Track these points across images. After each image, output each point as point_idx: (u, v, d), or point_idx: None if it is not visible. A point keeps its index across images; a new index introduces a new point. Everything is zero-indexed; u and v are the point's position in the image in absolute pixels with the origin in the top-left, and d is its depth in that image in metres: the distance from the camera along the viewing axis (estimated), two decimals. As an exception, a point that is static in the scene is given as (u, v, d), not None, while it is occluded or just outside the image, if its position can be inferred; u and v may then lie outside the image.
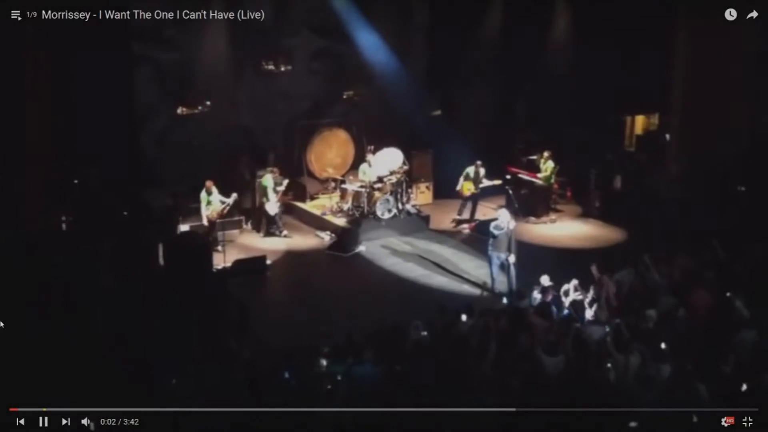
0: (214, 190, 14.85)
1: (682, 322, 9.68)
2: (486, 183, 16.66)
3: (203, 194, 14.81)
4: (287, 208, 17.13)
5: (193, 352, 9.69)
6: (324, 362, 8.88)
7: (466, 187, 16.74)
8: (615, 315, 10.05)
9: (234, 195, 15.03)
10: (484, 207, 17.23)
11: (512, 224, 12.80)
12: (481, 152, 17.19)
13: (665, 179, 16.57)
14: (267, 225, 16.08)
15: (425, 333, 9.38)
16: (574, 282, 10.92)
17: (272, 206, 15.86)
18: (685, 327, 9.59)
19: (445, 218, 17.23)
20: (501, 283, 12.92)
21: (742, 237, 12.90)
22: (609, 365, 8.40)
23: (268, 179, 15.86)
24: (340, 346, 9.40)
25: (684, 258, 11.56)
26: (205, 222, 14.87)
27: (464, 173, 16.77)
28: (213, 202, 14.84)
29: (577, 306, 10.46)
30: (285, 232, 16.12)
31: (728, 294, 9.94)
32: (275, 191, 15.83)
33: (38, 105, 13.49)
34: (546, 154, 17.10)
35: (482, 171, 16.68)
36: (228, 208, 15.04)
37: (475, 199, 16.83)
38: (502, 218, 12.78)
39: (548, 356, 8.56)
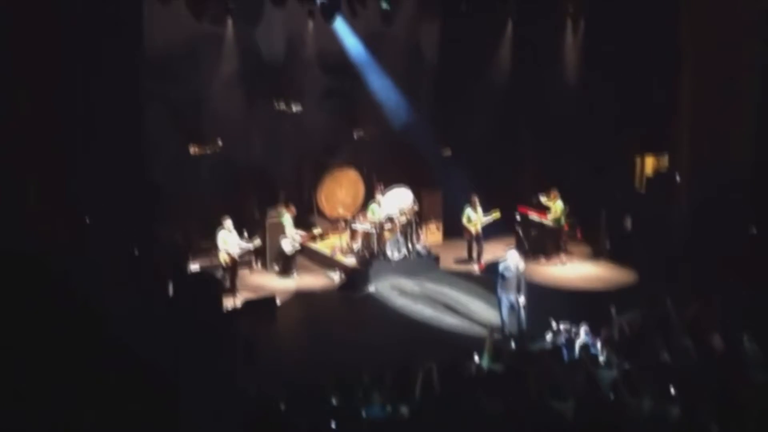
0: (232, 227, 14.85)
1: (696, 364, 9.58)
2: (485, 219, 16.66)
3: (223, 233, 14.72)
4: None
5: (201, 390, 9.63)
6: (333, 403, 8.81)
7: (472, 227, 16.74)
8: (626, 358, 9.93)
9: (257, 241, 15.05)
10: (494, 247, 17.21)
11: (522, 265, 12.73)
12: (491, 192, 17.21)
13: (676, 219, 16.52)
14: (283, 264, 16.04)
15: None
16: (585, 326, 10.81)
17: (288, 245, 15.85)
18: (700, 369, 9.48)
19: (455, 258, 17.20)
20: (511, 325, 12.82)
21: (755, 278, 12.79)
22: (621, 409, 8.29)
23: (286, 217, 15.88)
24: (348, 386, 9.32)
25: (697, 299, 11.46)
26: (224, 261, 14.76)
27: (465, 216, 16.77)
28: (230, 242, 14.79)
29: (588, 349, 10.34)
30: (294, 274, 16.13)
31: (744, 336, 9.83)
32: (297, 231, 15.87)
33: (46, 142, 13.61)
34: (553, 193, 17.11)
35: (479, 209, 16.70)
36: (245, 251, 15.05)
37: (478, 238, 16.82)
38: (511, 259, 12.73)
39: (558, 400, 8.46)
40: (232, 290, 14.65)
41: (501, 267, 12.78)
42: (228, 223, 14.74)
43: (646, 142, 18.03)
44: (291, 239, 15.89)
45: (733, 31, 15.60)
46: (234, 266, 14.91)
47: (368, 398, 8.76)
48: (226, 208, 15.86)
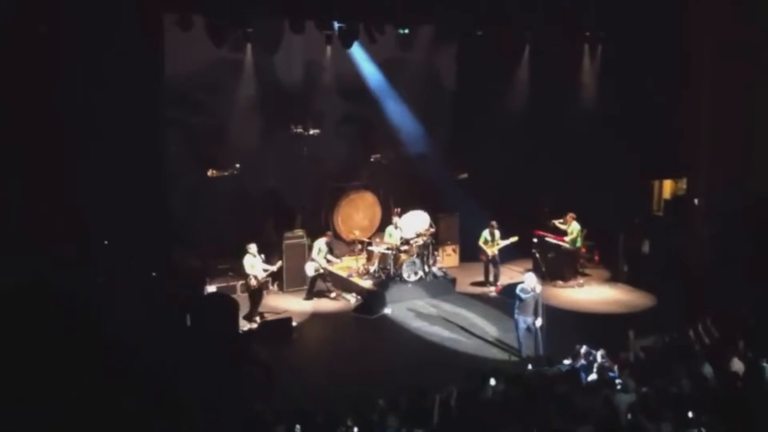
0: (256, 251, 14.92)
1: (714, 389, 9.51)
2: (503, 243, 16.67)
3: (249, 258, 14.75)
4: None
5: (216, 412, 9.64)
6: (348, 426, 8.79)
7: (489, 249, 16.75)
8: (644, 382, 9.87)
9: (279, 263, 15.18)
10: (511, 270, 17.17)
11: (539, 288, 12.70)
12: (507, 215, 17.20)
13: (694, 243, 16.45)
14: (309, 286, 16.10)
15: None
16: (602, 351, 10.75)
17: (310, 268, 15.88)
18: (718, 393, 9.41)
19: (471, 281, 17.18)
20: (528, 348, 12.76)
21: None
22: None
23: (320, 243, 15.92)
24: (364, 410, 9.31)
25: (715, 324, 11.39)
26: (252, 285, 14.77)
27: (482, 238, 16.79)
28: (257, 266, 14.84)
29: (606, 372, 10.29)
30: (333, 294, 16.24)
31: (765, 361, 9.75)
32: (325, 257, 15.92)
33: (69, 168, 13.79)
34: (569, 217, 17.08)
35: (497, 233, 16.71)
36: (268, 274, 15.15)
37: (495, 261, 16.81)
38: (528, 282, 12.70)
39: (576, 425, 8.41)
40: (255, 313, 14.67)
41: (518, 290, 12.75)
42: (253, 247, 14.78)
43: (664, 165, 18.00)
44: (317, 264, 15.89)
45: (752, 54, 15.63)
46: (260, 290, 14.95)
47: (384, 422, 8.74)
48: (243, 230, 15.95)
